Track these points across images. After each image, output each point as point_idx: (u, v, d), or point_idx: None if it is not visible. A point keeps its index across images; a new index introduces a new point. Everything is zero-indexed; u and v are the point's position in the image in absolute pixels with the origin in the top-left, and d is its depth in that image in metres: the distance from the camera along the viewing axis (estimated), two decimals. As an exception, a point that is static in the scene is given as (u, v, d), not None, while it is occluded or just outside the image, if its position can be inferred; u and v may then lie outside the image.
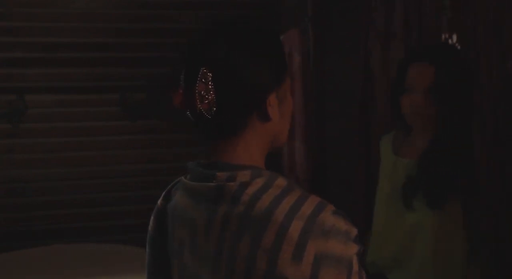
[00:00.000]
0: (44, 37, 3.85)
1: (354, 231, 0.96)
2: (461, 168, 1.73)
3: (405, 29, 2.26)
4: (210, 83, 0.98)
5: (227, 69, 0.99)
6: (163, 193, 1.17)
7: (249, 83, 1.00)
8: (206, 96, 0.99)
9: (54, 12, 3.86)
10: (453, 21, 2.07)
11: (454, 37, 2.14)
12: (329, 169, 3.13)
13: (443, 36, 2.13)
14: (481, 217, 1.77)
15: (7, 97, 3.80)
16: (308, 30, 2.99)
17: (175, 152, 3.98)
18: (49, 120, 3.89)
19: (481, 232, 1.76)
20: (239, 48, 1.00)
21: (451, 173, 1.74)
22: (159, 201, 1.17)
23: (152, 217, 1.17)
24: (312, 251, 0.92)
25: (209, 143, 1.06)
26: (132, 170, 4.02)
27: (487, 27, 1.87)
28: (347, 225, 0.96)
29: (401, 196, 1.82)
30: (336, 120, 3.12)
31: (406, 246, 1.81)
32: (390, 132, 2.04)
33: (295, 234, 0.93)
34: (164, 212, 1.14)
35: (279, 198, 0.97)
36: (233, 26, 1.04)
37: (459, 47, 2.01)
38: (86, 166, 3.95)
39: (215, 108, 0.99)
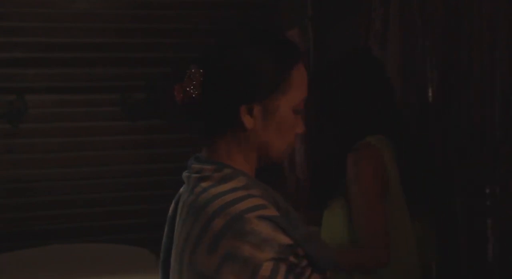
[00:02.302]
0: (44, 37, 3.84)
1: (281, 240, 0.94)
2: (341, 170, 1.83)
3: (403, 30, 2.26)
4: (195, 82, 1.04)
5: (212, 73, 1.05)
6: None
7: (222, 92, 1.04)
8: (193, 94, 1.05)
9: (54, 12, 3.85)
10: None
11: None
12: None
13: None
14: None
15: (7, 97, 3.79)
16: (308, 30, 2.99)
17: (175, 152, 3.97)
18: (49, 120, 3.88)
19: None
20: (222, 56, 1.05)
21: (333, 175, 1.88)
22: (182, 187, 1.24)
23: (173, 201, 1.23)
24: (224, 247, 0.95)
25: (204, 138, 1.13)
26: (132, 170, 4.01)
27: (482, 30, 1.87)
28: (273, 232, 0.94)
29: None
30: (336, 120, 3.11)
31: None
32: None
33: (215, 229, 0.96)
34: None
35: (223, 193, 1.00)
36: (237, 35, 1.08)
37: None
38: (86, 166, 3.95)
39: (200, 108, 1.06)
